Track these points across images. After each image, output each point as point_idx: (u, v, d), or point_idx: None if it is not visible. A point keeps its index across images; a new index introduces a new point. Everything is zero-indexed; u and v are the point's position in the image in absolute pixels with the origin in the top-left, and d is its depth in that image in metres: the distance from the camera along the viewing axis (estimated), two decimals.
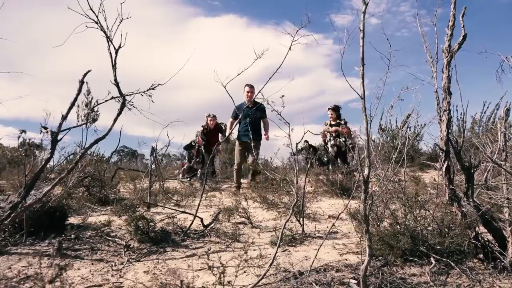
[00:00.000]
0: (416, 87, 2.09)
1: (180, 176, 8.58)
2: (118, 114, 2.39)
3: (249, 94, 6.29)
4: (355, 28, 1.60)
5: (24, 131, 2.34)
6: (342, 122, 6.95)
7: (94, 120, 6.03)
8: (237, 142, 6.39)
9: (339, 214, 2.13)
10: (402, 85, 2.04)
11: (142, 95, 2.41)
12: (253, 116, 6.12)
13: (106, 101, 2.38)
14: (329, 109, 6.95)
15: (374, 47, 1.68)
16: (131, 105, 2.40)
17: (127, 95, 2.37)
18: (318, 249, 1.94)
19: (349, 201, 2.02)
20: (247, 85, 6.34)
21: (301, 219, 2.86)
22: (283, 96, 3.25)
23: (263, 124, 6.36)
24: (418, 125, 7.90)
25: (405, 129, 7.34)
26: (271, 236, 2.63)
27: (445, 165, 2.06)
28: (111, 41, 2.28)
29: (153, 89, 2.42)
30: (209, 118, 7.59)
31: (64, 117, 2.23)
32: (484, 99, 7.88)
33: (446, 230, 1.98)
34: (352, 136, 6.69)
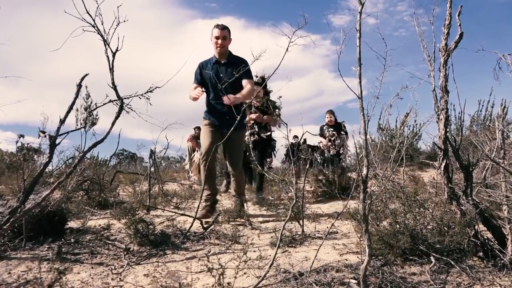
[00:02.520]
0: (413, 86, 2.10)
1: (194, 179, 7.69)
2: (116, 117, 2.39)
3: (218, 42, 3.59)
4: (352, 28, 1.61)
5: (22, 136, 2.33)
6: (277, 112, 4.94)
7: (93, 123, 6.03)
8: (204, 122, 3.78)
9: (338, 214, 2.13)
10: (401, 84, 2.05)
11: (140, 98, 2.41)
12: (227, 78, 3.34)
13: (104, 104, 2.38)
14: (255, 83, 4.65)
15: (370, 47, 1.69)
16: (129, 108, 2.40)
17: (125, 98, 2.37)
18: (318, 250, 1.94)
19: (347, 201, 2.03)
20: (216, 26, 3.62)
21: (300, 220, 2.86)
22: (280, 97, 3.23)
23: (245, 87, 3.59)
24: (416, 124, 7.92)
25: (404, 128, 7.35)
26: (271, 237, 2.63)
27: (443, 164, 2.06)
28: (108, 45, 2.28)
29: (151, 91, 2.42)
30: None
31: (62, 121, 2.23)
32: (482, 97, 7.92)
33: (446, 228, 1.99)
34: (278, 125, 4.92)
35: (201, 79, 3.74)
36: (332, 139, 6.84)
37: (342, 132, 6.91)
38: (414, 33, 2.21)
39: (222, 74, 3.62)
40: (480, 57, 2.14)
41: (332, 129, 6.95)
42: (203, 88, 3.62)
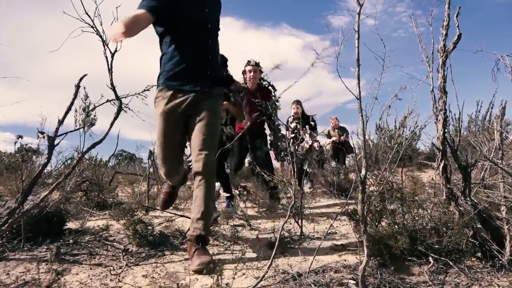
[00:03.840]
0: (412, 87, 2.10)
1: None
2: (115, 118, 2.40)
3: None
4: (351, 29, 1.61)
5: (20, 137, 2.33)
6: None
7: (92, 124, 6.02)
8: (162, 98, 2.32)
9: (337, 215, 2.14)
10: (400, 85, 2.05)
11: (137, 97, 2.42)
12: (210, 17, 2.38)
13: (101, 104, 2.39)
14: None
15: (368, 48, 1.69)
16: (127, 107, 2.41)
17: (123, 97, 2.37)
18: (316, 250, 1.94)
19: (346, 201, 2.03)
20: None
21: (299, 221, 2.86)
22: (279, 97, 3.22)
23: None
24: (416, 125, 7.89)
25: (402, 130, 7.31)
26: (270, 237, 2.63)
27: (442, 165, 2.06)
28: (107, 45, 2.29)
29: (147, 90, 2.43)
30: (248, 68, 4.38)
31: (60, 122, 2.23)
32: (481, 98, 7.92)
33: (444, 229, 1.99)
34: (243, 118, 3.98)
35: (167, 12, 2.20)
36: (295, 132, 5.66)
37: (307, 127, 5.81)
38: (413, 34, 2.21)
39: (208, 10, 2.37)
40: (479, 58, 2.15)
41: (297, 121, 5.86)
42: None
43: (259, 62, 4.46)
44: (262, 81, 4.54)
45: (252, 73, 4.39)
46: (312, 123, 5.90)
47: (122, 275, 1.94)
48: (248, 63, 4.42)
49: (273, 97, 4.37)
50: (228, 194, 4.16)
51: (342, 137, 8.11)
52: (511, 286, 1.62)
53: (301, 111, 6.04)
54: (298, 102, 6.17)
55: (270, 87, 4.46)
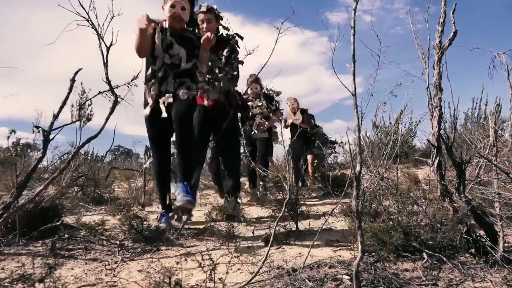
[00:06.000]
0: (408, 83, 2.11)
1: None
2: (110, 112, 2.39)
3: None
4: (348, 25, 1.61)
5: (13, 131, 2.32)
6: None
7: (88, 119, 5.99)
8: None
9: (332, 210, 2.15)
10: (396, 82, 2.06)
11: (128, 87, 2.41)
12: None
13: (94, 96, 2.39)
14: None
15: (364, 45, 1.68)
16: (122, 99, 2.41)
17: (115, 87, 2.37)
18: (311, 246, 1.94)
19: (341, 197, 2.03)
20: None
21: (294, 216, 2.87)
22: (278, 93, 3.19)
23: None
24: (412, 122, 7.91)
25: (398, 126, 7.31)
26: (265, 233, 2.63)
27: (436, 161, 2.07)
28: (102, 39, 2.27)
29: (136, 78, 2.42)
30: (200, 17, 3.14)
31: (55, 116, 2.22)
32: (477, 95, 7.93)
33: (438, 225, 2.00)
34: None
35: None
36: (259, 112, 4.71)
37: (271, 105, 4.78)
38: (410, 31, 2.21)
39: None
40: (475, 55, 2.16)
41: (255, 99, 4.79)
42: None
43: (214, 7, 3.22)
44: (224, 32, 3.40)
45: (205, 24, 3.13)
46: (277, 104, 4.96)
47: (117, 270, 1.94)
48: (199, 7, 3.14)
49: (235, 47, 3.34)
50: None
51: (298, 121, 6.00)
52: (504, 282, 1.64)
53: (260, 89, 4.92)
54: (256, 80, 4.78)
55: (234, 37, 3.40)
